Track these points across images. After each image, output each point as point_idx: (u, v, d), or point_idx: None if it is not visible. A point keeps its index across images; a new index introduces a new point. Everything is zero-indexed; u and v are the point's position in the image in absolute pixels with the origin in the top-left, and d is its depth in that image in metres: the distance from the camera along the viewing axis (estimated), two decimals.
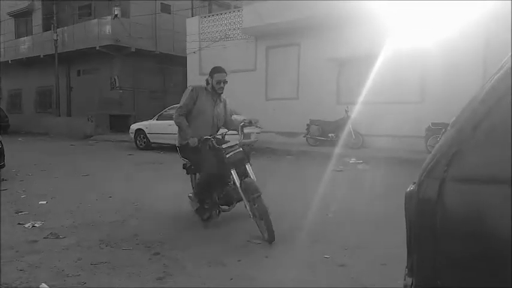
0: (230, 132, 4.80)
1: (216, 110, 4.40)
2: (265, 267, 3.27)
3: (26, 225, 4.49)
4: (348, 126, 11.40)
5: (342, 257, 3.47)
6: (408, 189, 1.51)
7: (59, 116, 21.03)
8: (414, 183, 1.48)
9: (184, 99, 4.31)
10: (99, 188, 6.60)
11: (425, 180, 1.42)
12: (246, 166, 4.15)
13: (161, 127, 11.97)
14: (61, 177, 7.61)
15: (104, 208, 5.19)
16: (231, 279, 3.05)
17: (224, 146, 4.11)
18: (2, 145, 7.39)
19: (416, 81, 10.89)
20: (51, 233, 4.18)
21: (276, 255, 3.53)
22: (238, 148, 4.10)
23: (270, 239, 3.71)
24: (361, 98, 10.88)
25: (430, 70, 10.59)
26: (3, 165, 7.35)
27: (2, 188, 6.53)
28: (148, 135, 12.53)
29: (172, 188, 6.20)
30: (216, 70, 4.31)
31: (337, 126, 11.55)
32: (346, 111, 11.39)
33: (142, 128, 12.73)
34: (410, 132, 10.66)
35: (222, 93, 4.35)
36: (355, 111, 11.22)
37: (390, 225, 4.28)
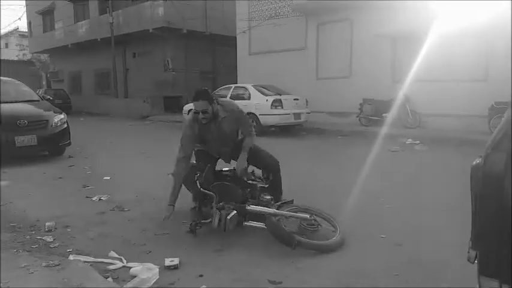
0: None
1: (219, 131, 3.80)
2: None
3: (94, 199, 4.80)
4: (404, 105, 10.98)
5: (399, 237, 3.42)
6: (474, 163, 1.50)
7: (117, 97, 21.99)
8: (480, 156, 1.47)
9: (182, 139, 3.73)
10: (157, 165, 6.89)
11: (492, 153, 1.40)
12: None
13: None
14: (122, 155, 8.02)
15: (163, 184, 5.37)
16: (293, 248, 3.10)
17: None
18: (67, 124, 7.88)
19: (479, 59, 10.20)
20: (116, 205, 4.44)
21: None
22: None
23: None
24: (418, 76, 10.41)
25: (494, 47, 9.88)
26: (69, 143, 7.86)
27: (69, 164, 7.01)
28: None
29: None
30: (193, 97, 3.64)
31: (392, 105, 11.14)
32: (402, 90, 10.95)
33: None
34: (472, 112, 10.08)
35: (206, 123, 3.67)
36: (412, 90, 10.77)
37: (450, 207, 4.14)
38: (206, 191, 3.48)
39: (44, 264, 2.39)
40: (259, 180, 4.12)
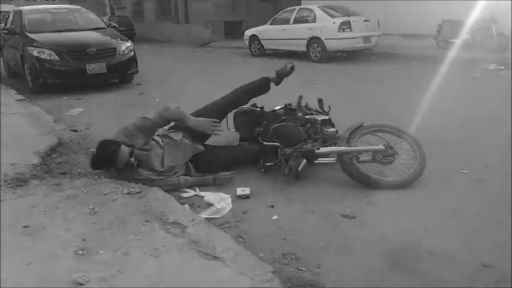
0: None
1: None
2: None
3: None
4: (489, 27, 9.76)
5: (481, 173, 3.18)
6: None
7: (178, 23, 21.86)
8: None
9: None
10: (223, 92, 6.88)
11: None
12: None
13: (275, 32, 11.68)
14: (187, 82, 8.07)
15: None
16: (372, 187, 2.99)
17: None
18: (134, 52, 7.98)
19: None
20: None
21: None
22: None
23: None
24: None
25: None
26: (137, 71, 8.01)
27: (138, 92, 7.20)
28: (262, 41, 12.40)
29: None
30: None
31: (475, 26, 9.95)
32: (488, 10, 9.68)
33: (256, 34, 12.58)
34: None
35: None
36: (499, 10, 9.49)
37: None
38: (270, 143, 3.33)
39: (125, 191, 2.49)
40: (317, 112, 3.92)
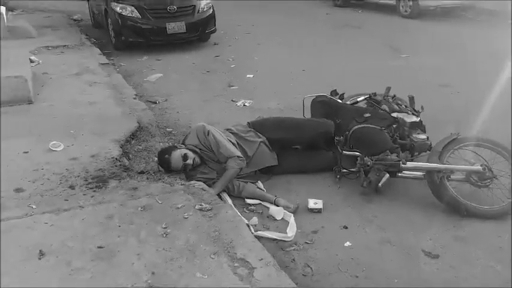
0: None
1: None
2: None
3: (238, 104, 4.83)
4: None
5: None
6: None
7: None
8: None
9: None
10: (296, 59, 6.57)
11: None
12: None
13: None
14: (264, 44, 7.77)
15: (303, 89, 5.04)
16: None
17: None
18: (213, 9, 7.76)
19: None
20: (259, 116, 4.37)
21: None
22: None
23: None
24: None
25: None
26: (215, 30, 7.85)
27: (215, 54, 7.09)
28: None
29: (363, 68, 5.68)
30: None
31: None
32: None
33: None
34: None
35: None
36: None
37: None
38: (350, 152, 3.04)
39: (197, 206, 2.47)
40: (408, 111, 3.49)
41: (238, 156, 2.90)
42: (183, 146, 3.02)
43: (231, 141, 3.04)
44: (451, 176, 2.83)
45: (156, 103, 4.91)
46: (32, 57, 5.76)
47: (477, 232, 2.58)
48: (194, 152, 2.98)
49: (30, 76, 4.65)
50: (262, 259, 2.05)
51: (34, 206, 2.44)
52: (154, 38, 7.26)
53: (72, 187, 2.67)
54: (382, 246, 2.50)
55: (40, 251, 2.06)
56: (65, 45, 6.96)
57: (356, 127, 3.18)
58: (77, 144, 3.32)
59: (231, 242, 2.17)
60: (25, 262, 2.01)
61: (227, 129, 3.23)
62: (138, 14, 7.17)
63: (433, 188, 2.80)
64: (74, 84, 4.97)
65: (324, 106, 3.64)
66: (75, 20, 10.02)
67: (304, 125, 3.35)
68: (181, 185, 2.75)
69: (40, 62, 5.76)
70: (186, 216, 2.37)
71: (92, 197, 2.57)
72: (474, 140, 2.99)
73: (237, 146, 3.05)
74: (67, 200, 2.52)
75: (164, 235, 2.22)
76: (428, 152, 3.11)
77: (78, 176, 2.81)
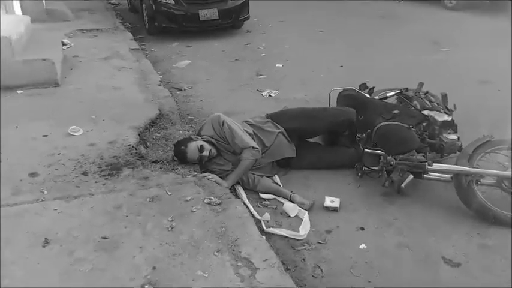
0: None
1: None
2: None
3: (264, 94, 4.71)
4: None
5: None
6: None
7: None
8: None
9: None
10: (330, 51, 6.33)
11: None
12: None
13: None
14: (297, 32, 7.56)
15: (333, 81, 4.85)
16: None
17: None
18: None
19: None
20: (284, 106, 4.24)
21: None
22: None
23: None
24: None
25: None
26: (248, 17, 7.71)
27: (246, 42, 6.97)
28: None
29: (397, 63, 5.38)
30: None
31: None
32: None
33: None
34: None
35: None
36: None
37: None
38: (372, 150, 2.88)
39: (206, 200, 2.41)
40: (440, 109, 3.25)
41: (253, 147, 2.81)
42: (199, 137, 2.95)
43: (247, 131, 2.95)
44: (481, 181, 2.62)
45: (181, 90, 4.89)
46: (65, 40, 5.85)
47: (505, 241, 2.38)
48: (210, 143, 2.91)
49: (61, 59, 4.73)
50: (266, 260, 1.96)
51: (46, 192, 2.45)
52: (187, 24, 7.23)
53: (85, 173, 2.67)
54: (399, 250, 2.35)
55: (45, 239, 2.06)
56: (98, 29, 7.06)
57: (381, 124, 3.01)
58: (96, 129, 3.33)
59: (237, 239, 2.09)
60: (30, 249, 2.01)
61: (245, 121, 3.15)
62: (172, 0, 7.15)
63: (460, 192, 2.61)
64: (102, 68, 5.01)
65: (349, 100, 3.47)
66: (112, 4, 10.17)
67: (323, 114, 3.20)
68: (193, 176, 2.69)
69: (72, 45, 5.85)
70: (194, 210, 2.31)
71: (104, 184, 2.56)
72: (508, 144, 2.75)
73: (253, 136, 2.96)
74: (78, 187, 2.51)
75: (170, 228, 2.17)
76: (458, 153, 2.90)
77: (93, 163, 2.81)
